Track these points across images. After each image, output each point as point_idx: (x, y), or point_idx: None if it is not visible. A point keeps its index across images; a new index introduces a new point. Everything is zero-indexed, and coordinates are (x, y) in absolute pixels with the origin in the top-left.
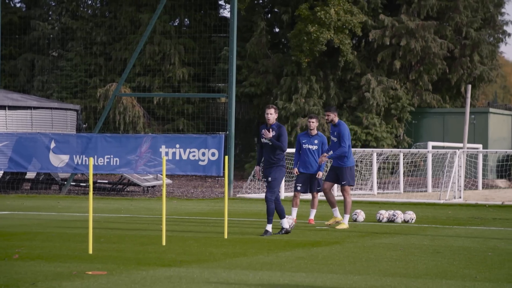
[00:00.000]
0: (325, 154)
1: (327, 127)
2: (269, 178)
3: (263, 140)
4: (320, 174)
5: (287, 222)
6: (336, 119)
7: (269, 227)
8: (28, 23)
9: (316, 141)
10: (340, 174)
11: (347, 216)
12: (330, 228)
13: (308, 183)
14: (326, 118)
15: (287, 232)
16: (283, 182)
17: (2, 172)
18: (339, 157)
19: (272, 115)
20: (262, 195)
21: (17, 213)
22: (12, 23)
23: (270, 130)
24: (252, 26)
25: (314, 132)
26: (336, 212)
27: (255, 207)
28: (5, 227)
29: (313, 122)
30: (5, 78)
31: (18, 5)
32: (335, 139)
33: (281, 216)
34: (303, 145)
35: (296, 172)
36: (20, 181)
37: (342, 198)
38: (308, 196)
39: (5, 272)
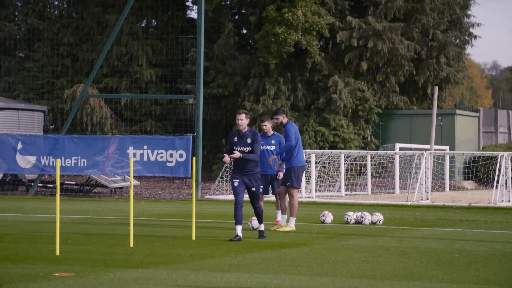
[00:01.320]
0: (274, 155)
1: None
2: (253, 189)
3: (238, 148)
4: (281, 175)
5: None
6: (285, 120)
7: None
8: None
9: (273, 141)
10: (285, 175)
11: (293, 219)
12: (295, 230)
13: (269, 184)
14: (275, 122)
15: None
16: None
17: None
18: (287, 158)
19: (243, 120)
20: (230, 197)
21: None
22: None
23: (246, 139)
24: (219, 27)
25: (270, 132)
26: (283, 219)
27: (222, 208)
28: None
29: (265, 125)
30: None
31: None
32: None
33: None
34: (261, 147)
35: None
36: (16, 183)
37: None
38: (273, 197)
39: None
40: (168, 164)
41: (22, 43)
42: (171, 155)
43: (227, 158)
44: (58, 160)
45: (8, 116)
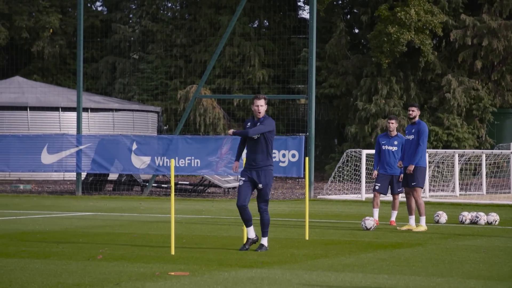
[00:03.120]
0: (400, 162)
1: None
2: (260, 185)
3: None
4: (402, 177)
5: (267, 240)
6: (419, 114)
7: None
8: (109, 26)
9: (396, 142)
10: (410, 175)
11: (423, 218)
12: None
13: (388, 184)
14: (410, 113)
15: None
16: (363, 184)
17: (85, 173)
18: (412, 157)
19: (262, 107)
20: (344, 196)
21: (100, 214)
22: (94, 27)
23: (257, 124)
24: (331, 27)
25: (394, 133)
26: (412, 220)
27: (336, 208)
28: (88, 228)
29: (392, 123)
30: (87, 80)
31: (99, 8)
32: (411, 137)
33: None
34: (383, 146)
35: (374, 176)
36: (102, 183)
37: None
38: (389, 197)
39: (90, 272)
40: (280, 164)
41: (136, 45)
42: (283, 155)
43: (228, 132)
44: (173, 160)
45: (123, 117)
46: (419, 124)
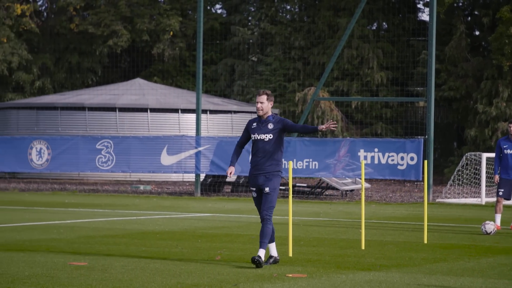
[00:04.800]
0: None
1: None
2: (267, 189)
3: (256, 136)
4: None
5: (275, 249)
6: None
7: (262, 253)
8: (229, 28)
9: None
10: None
11: None
12: None
13: (510, 189)
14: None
15: (275, 261)
16: (483, 187)
17: (204, 175)
18: None
19: (264, 104)
20: (463, 200)
21: (219, 215)
22: (213, 29)
23: (267, 125)
24: (451, 29)
25: None
26: None
27: (455, 212)
28: (207, 229)
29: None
30: (206, 82)
31: (219, 11)
32: None
33: (270, 239)
34: (504, 150)
35: (496, 181)
36: (221, 184)
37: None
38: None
39: (208, 273)
40: (399, 167)
41: (255, 47)
42: (402, 158)
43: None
44: (291, 162)
45: (242, 119)
46: None
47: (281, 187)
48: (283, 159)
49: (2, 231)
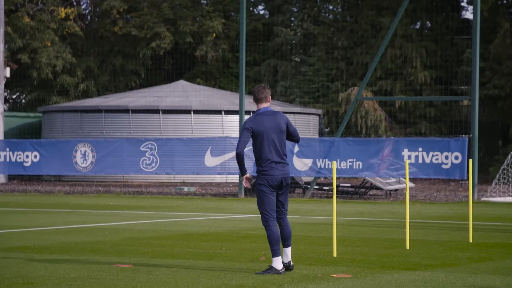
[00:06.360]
0: None
1: None
2: (284, 187)
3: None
4: None
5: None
6: None
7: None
8: (271, 29)
9: None
10: None
11: None
12: None
13: None
14: None
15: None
16: None
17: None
18: None
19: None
20: (509, 199)
21: None
22: (256, 30)
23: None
24: (495, 27)
25: None
26: None
27: (500, 211)
28: (251, 230)
29: None
30: (249, 84)
31: (261, 12)
32: None
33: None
34: None
35: None
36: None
37: None
38: None
39: (253, 274)
40: (443, 166)
41: (298, 48)
42: (446, 157)
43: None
44: (334, 162)
45: None
46: None
47: (325, 187)
48: (258, 160)
49: (47, 234)
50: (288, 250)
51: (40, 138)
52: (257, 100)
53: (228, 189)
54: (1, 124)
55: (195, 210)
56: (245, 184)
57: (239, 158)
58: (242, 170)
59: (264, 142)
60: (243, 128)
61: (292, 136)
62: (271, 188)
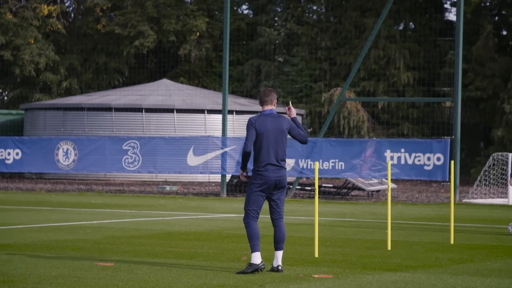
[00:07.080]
0: None
1: None
2: (280, 190)
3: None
4: None
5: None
6: None
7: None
8: (255, 29)
9: None
10: None
11: None
12: None
13: None
14: None
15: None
16: (510, 188)
17: (230, 175)
18: None
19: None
20: (490, 201)
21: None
22: (239, 30)
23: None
24: (478, 29)
25: None
26: None
27: (481, 212)
28: (233, 230)
29: None
30: (232, 83)
31: (245, 12)
32: None
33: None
34: None
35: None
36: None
37: None
38: None
39: (234, 274)
40: (425, 167)
41: (281, 48)
42: (428, 159)
43: (291, 110)
44: (317, 163)
45: None
46: None
47: (307, 188)
48: (255, 160)
49: (28, 232)
50: (280, 254)
51: (22, 136)
52: (262, 102)
53: (210, 189)
54: None
55: (177, 209)
56: (241, 177)
57: (247, 156)
58: (244, 166)
59: (263, 143)
60: (248, 125)
61: (296, 139)
62: (262, 189)
